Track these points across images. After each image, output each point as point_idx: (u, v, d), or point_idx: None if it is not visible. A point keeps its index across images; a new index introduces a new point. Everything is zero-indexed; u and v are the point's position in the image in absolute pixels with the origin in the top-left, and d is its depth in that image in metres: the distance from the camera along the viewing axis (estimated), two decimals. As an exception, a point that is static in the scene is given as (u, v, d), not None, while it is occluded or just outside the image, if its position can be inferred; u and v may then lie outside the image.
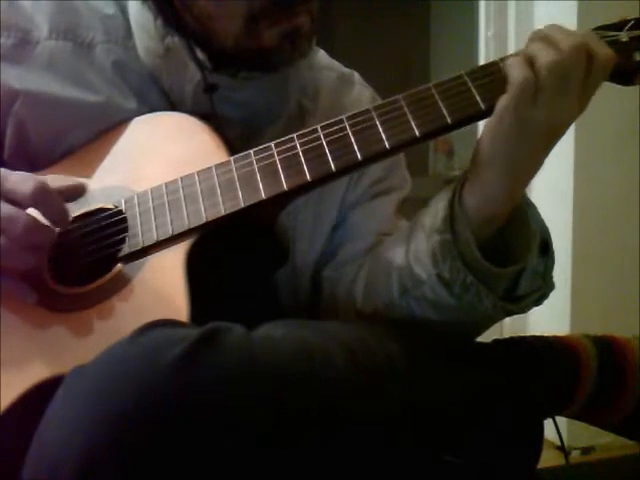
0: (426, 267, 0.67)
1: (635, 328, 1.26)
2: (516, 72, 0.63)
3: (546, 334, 0.79)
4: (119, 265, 0.66)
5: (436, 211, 0.67)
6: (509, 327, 1.71)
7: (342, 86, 0.87)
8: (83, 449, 0.47)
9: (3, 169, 0.63)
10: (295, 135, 0.68)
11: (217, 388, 0.50)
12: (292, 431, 0.52)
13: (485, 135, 0.64)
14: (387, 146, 0.65)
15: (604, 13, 0.69)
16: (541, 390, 0.77)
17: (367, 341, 0.62)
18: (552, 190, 1.56)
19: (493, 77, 0.65)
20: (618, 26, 0.67)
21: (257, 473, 0.51)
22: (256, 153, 0.68)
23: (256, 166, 0.67)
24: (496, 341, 0.79)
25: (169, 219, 0.66)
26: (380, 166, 0.83)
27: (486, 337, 0.76)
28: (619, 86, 0.69)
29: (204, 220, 0.65)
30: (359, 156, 0.65)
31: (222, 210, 0.65)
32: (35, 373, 0.60)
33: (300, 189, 0.66)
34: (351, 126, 0.66)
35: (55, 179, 0.67)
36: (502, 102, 0.63)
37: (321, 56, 0.89)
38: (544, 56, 0.62)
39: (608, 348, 0.81)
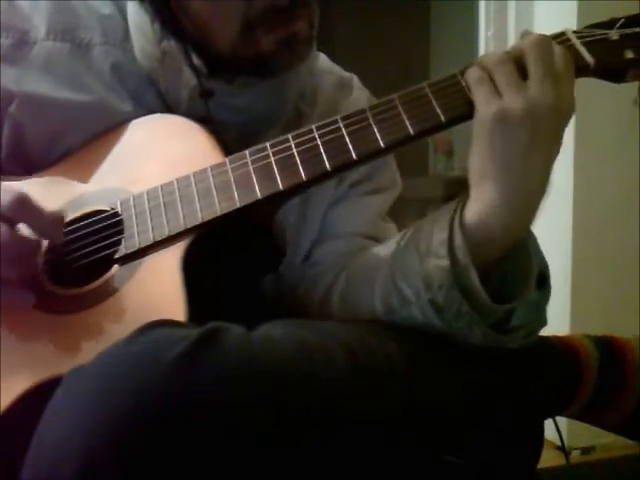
0: (416, 289, 0.65)
1: (635, 328, 1.27)
2: (470, 73, 0.64)
3: (546, 334, 0.79)
4: (116, 266, 0.66)
5: (432, 232, 0.65)
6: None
7: (340, 90, 0.86)
8: (83, 449, 0.47)
9: None
10: (290, 135, 0.68)
11: (217, 388, 0.50)
12: (292, 431, 0.52)
13: (473, 148, 0.63)
14: (382, 145, 0.65)
15: (604, 13, 0.69)
16: (541, 390, 0.77)
17: (367, 340, 0.62)
18: (552, 190, 1.56)
19: None
20: (608, 24, 0.67)
21: (257, 473, 0.51)
22: (251, 154, 0.68)
23: (251, 166, 0.67)
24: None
25: (165, 220, 0.66)
26: (365, 166, 0.81)
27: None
28: (617, 86, 0.69)
29: (200, 220, 0.65)
30: (354, 155, 0.65)
31: (218, 210, 0.65)
32: (34, 374, 0.59)
33: (296, 189, 0.66)
34: (346, 126, 0.66)
35: (52, 181, 0.67)
36: (475, 108, 0.63)
37: (322, 60, 0.89)
38: (491, 55, 0.64)
39: (608, 348, 0.81)
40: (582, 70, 0.65)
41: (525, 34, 0.66)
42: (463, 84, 0.65)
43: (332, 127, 0.67)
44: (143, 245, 0.66)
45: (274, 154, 0.67)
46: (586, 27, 0.68)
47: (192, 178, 0.68)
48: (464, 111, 0.65)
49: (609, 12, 0.69)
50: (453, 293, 0.62)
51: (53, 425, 0.50)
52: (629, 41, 0.66)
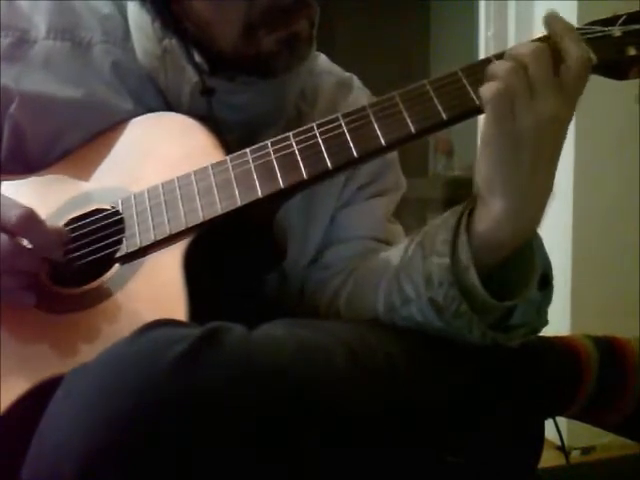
0: (417, 287, 0.65)
1: (635, 328, 1.26)
2: (485, 89, 0.61)
3: (546, 334, 0.79)
4: (117, 265, 0.66)
5: (436, 232, 0.65)
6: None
7: (340, 90, 0.86)
8: (83, 449, 0.47)
9: None
10: (291, 134, 0.68)
11: (217, 388, 0.50)
12: (292, 431, 0.52)
13: (479, 160, 0.63)
14: (383, 143, 0.65)
15: (604, 13, 0.69)
16: (541, 390, 0.77)
17: (367, 340, 0.62)
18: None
19: None
20: (611, 21, 0.67)
21: (257, 473, 0.51)
22: (252, 152, 0.68)
23: (252, 165, 0.67)
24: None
25: (166, 219, 0.66)
26: (371, 168, 0.82)
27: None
28: (618, 85, 0.69)
29: (201, 219, 0.65)
30: (355, 153, 0.65)
31: (219, 209, 0.65)
32: (35, 374, 0.59)
33: (297, 187, 0.66)
34: (347, 123, 0.66)
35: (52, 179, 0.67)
36: (485, 125, 0.61)
37: (322, 60, 0.89)
38: (502, 64, 0.61)
39: (609, 348, 0.81)
40: None
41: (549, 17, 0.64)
42: (464, 81, 0.65)
43: (333, 125, 0.67)
44: (144, 244, 0.66)
45: (275, 152, 0.67)
46: (587, 24, 0.68)
47: (193, 176, 0.68)
48: (466, 109, 0.64)
49: (609, 12, 0.69)
50: (452, 292, 0.62)
51: (54, 425, 0.50)
52: (632, 38, 0.65)
